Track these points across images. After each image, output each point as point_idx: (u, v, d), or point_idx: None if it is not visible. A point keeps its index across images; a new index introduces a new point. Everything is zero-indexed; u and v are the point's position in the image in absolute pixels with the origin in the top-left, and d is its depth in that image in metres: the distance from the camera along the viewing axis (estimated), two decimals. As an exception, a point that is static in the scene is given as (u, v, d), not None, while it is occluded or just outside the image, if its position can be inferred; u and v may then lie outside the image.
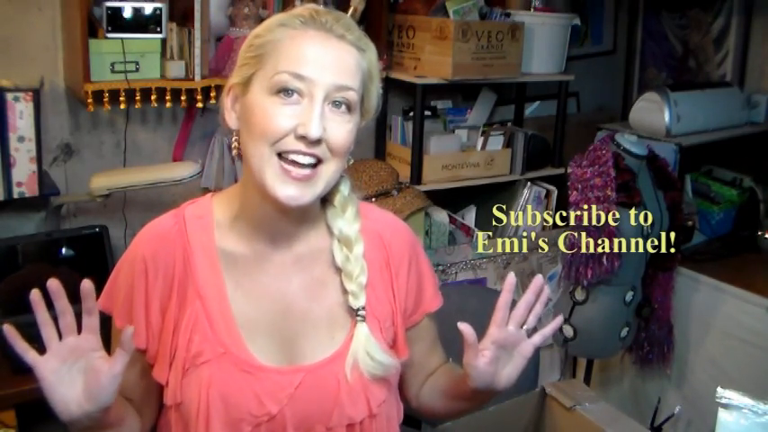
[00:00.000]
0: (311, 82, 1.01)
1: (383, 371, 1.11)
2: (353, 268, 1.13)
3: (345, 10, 2.39)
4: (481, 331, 1.73)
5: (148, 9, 2.09)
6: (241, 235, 1.11)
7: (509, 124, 2.99)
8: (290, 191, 1.02)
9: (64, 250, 2.12)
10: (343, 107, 1.04)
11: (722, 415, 1.26)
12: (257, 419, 1.05)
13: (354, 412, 1.09)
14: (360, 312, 1.12)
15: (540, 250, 2.79)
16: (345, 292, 1.13)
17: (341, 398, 1.09)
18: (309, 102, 1.01)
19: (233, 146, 1.09)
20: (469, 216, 2.75)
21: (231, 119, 1.08)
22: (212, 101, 2.26)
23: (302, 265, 1.13)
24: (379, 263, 1.18)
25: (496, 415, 1.44)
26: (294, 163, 1.01)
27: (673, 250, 2.47)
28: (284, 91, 1.01)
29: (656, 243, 2.37)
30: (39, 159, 2.01)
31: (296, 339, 1.11)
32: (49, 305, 0.98)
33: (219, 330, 1.07)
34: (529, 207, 2.79)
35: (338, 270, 1.14)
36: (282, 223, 1.11)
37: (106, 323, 1.14)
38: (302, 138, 1.00)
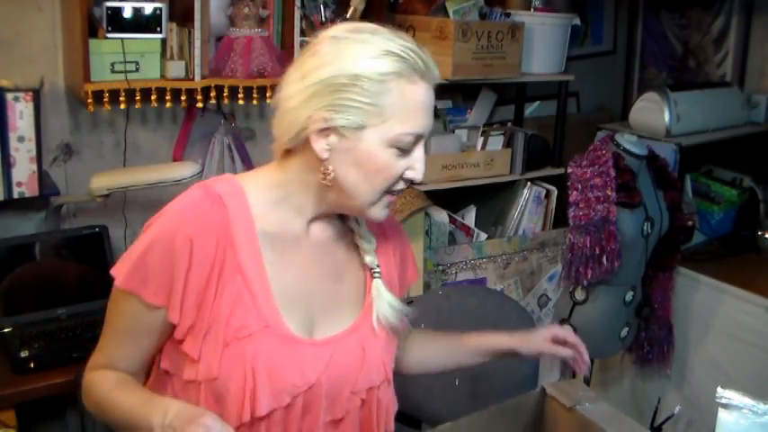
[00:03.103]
0: (423, 135, 1.12)
1: (401, 317, 1.25)
2: (365, 232, 1.25)
3: (345, 10, 2.39)
4: (481, 332, 1.72)
5: (148, 9, 2.09)
6: (280, 218, 1.17)
7: (509, 124, 2.99)
8: (386, 213, 1.17)
9: (64, 250, 2.13)
10: None
11: (722, 415, 1.26)
12: (298, 389, 1.13)
13: (375, 376, 1.21)
14: (375, 270, 1.24)
15: (539, 250, 2.79)
16: (361, 270, 1.25)
17: (365, 365, 1.20)
18: (417, 149, 1.12)
19: (325, 176, 1.11)
20: (469, 216, 2.75)
21: (321, 149, 1.09)
22: (212, 101, 2.26)
23: (330, 248, 1.22)
24: (382, 243, 1.29)
25: (496, 415, 1.44)
26: (395, 193, 1.15)
27: (673, 250, 2.47)
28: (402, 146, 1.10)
29: (656, 243, 2.37)
30: (39, 159, 2.01)
31: (319, 314, 1.19)
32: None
33: (261, 305, 1.12)
34: (529, 207, 2.79)
35: (354, 250, 1.25)
36: (329, 215, 1.21)
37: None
38: (408, 179, 1.13)
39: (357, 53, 1.07)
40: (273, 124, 1.14)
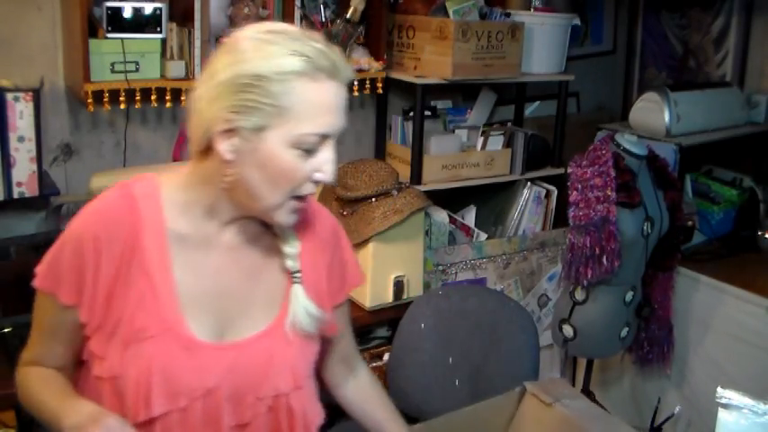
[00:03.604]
0: (330, 135, 1.09)
1: (319, 325, 1.23)
2: (289, 235, 1.23)
3: (345, 10, 2.39)
4: (481, 331, 1.72)
5: (148, 9, 2.09)
6: (193, 219, 1.16)
7: (509, 124, 2.99)
8: (293, 218, 1.14)
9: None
10: None
11: (722, 415, 1.26)
12: (195, 393, 1.13)
13: (282, 383, 1.19)
14: (296, 275, 1.21)
15: (540, 250, 2.79)
16: (282, 274, 1.22)
17: (271, 371, 1.18)
18: (325, 150, 1.10)
19: (225, 179, 1.10)
20: (469, 216, 2.75)
21: (225, 150, 1.08)
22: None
23: (247, 250, 1.20)
24: (310, 247, 1.27)
25: (477, 412, 1.43)
26: (303, 198, 1.13)
27: (673, 250, 2.47)
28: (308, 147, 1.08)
29: (656, 243, 2.37)
30: (39, 159, 2.01)
31: (232, 318, 1.18)
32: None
33: (164, 307, 1.12)
34: (529, 207, 2.79)
35: (277, 253, 1.22)
36: (243, 218, 1.18)
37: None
38: (317, 181, 1.11)
39: (261, 53, 1.05)
40: (188, 125, 1.13)
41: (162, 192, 1.16)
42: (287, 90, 1.04)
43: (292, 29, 1.11)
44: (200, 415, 1.14)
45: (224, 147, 1.07)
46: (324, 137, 1.08)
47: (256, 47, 1.06)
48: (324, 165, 1.10)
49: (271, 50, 1.05)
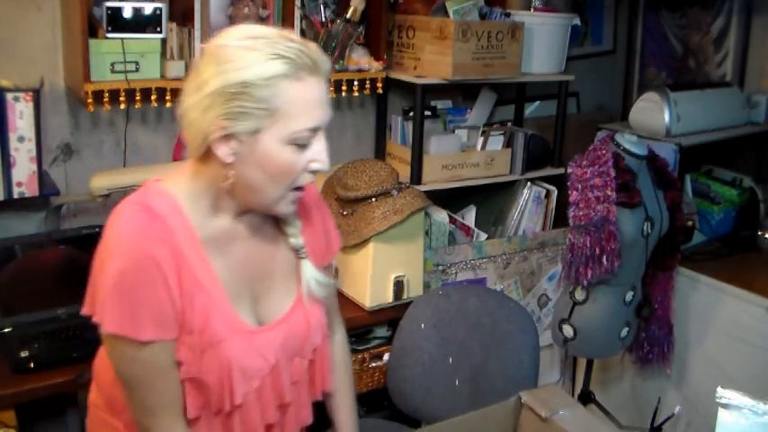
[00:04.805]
0: (320, 128, 1.18)
1: (330, 290, 1.43)
2: (291, 216, 1.33)
3: (345, 10, 2.39)
4: (481, 331, 1.72)
5: (148, 9, 2.09)
6: (215, 221, 1.24)
7: (509, 124, 2.99)
8: (293, 208, 1.25)
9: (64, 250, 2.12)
10: None
11: (722, 415, 1.25)
12: (264, 372, 1.27)
13: (317, 339, 1.37)
14: (302, 250, 1.34)
15: (539, 250, 2.79)
16: (290, 250, 1.34)
17: (311, 333, 1.35)
18: (317, 141, 1.18)
19: (227, 181, 1.17)
20: (469, 216, 2.75)
21: (225, 154, 1.14)
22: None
23: (260, 235, 1.31)
24: (306, 221, 1.38)
25: (469, 423, 1.41)
26: (302, 189, 1.22)
27: (673, 250, 2.47)
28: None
29: (656, 243, 2.37)
30: (39, 159, 2.01)
31: (259, 298, 1.30)
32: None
33: (224, 312, 1.22)
34: (529, 207, 2.79)
35: (281, 232, 1.34)
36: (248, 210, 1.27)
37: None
38: (314, 171, 1.19)
39: (245, 61, 1.11)
40: (183, 133, 1.19)
41: (181, 203, 1.21)
42: (274, 93, 1.11)
43: (270, 31, 1.16)
44: (269, 387, 1.28)
45: (223, 151, 1.14)
46: (315, 130, 1.16)
47: (239, 54, 1.12)
48: (318, 154, 1.18)
49: (253, 57, 1.12)
